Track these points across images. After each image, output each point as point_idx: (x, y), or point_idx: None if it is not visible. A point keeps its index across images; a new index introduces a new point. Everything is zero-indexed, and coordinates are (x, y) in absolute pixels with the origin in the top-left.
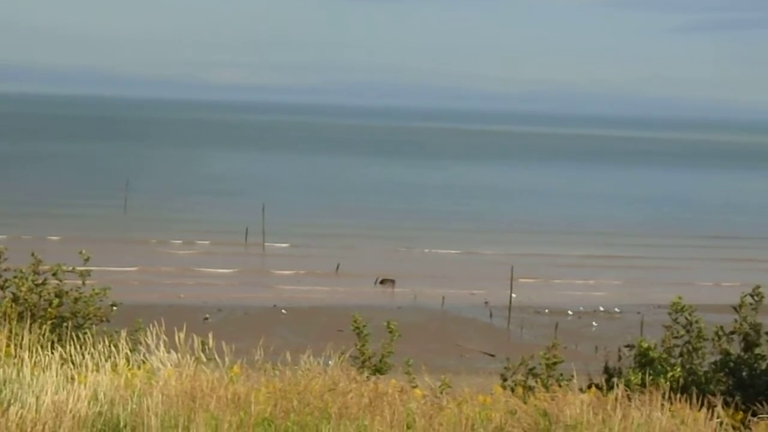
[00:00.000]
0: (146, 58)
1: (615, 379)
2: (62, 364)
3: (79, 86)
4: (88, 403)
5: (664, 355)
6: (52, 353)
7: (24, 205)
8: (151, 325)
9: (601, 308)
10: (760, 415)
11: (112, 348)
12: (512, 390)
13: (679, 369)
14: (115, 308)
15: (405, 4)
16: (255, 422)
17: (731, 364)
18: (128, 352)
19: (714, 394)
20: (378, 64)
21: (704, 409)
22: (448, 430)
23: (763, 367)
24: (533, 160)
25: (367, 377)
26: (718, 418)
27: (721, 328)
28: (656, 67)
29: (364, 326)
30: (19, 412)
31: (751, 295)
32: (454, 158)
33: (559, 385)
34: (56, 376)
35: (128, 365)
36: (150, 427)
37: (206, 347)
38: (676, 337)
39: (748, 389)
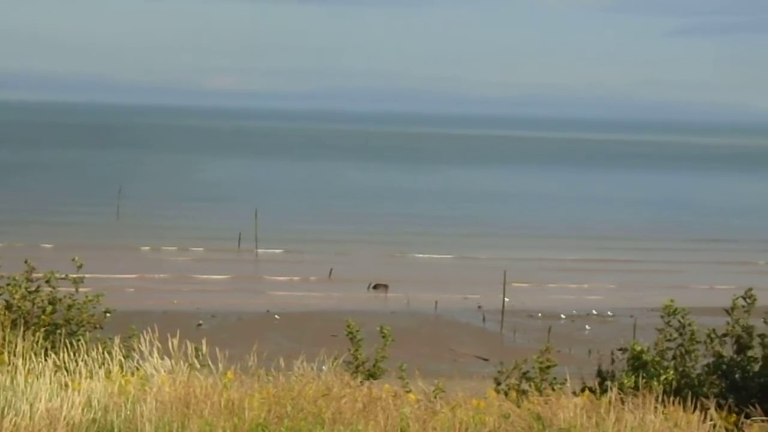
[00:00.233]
0: (142, 64)
1: (608, 383)
2: (56, 371)
3: (75, 93)
4: (82, 410)
5: (657, 358)
6: (46, 360)
7: (17, 212)
8: (144, 332)
9: (594, 312)
10: (753, 418)
11: (106, 355)
12: (506, 394)
13: (672, 372)
14: (108, 315)
15: (401, 8)
16: (249, 428)
17: (724, 367)
18: (122, 358)
19: (707, 397)
20: (374, 69)
21: (697, 412)
22: None
23: (756, 369)
24: (529, 164)
25: (361, 382)
26: (711, 420)
27: (714, 330)
28: (654, 70)
29: (357, 331)
30: (13, 420)
31: (744, 298)
32: (448, 163)
33: (553, 389)
34: (50, 383)
35: (122, 372)
36: None
37: (200, 353)
38: (669, 340)
39: (740, 391)
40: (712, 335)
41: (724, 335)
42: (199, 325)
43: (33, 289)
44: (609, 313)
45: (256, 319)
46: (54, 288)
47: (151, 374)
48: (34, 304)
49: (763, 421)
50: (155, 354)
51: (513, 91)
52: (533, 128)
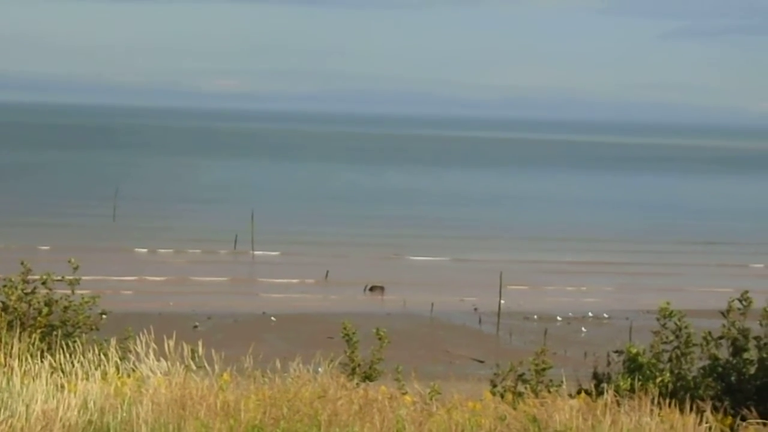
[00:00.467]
0: (140, 66)
1: (604, 385)
2: (52, 373)
3: (73, 95)
4: (78, 411)
5: (653, 361)
6: (42, 362)
7: (14, 214)
8: (140, 334)
9: (590, 314)
10: (749, 420)
11: (102, 356)
12: (502, 396)
13: (668, 374)
14: (104, 317)
15: (400, 11)
16: (245, 430)
17: (720, 369)
18: (118, 360)
19: (703, 399)
20: (371, 72)
21: (693, 414)
22: None
23: (752, 371)
24: (523, 167)
25: (357, 384)
26: (707, 422)
27: (710, 333)
28: (648, 73)
29: (353, 333)
30: (9, 421)
31: (739, 300)
32: (444, 165)
33: (549, 391)
34: (46, 385)
35: (118, 373)
36: None
37: (196, 355)
38: (665, 343)
39: (736, 394)
40: (708, 338)
41: (720, 338)
42: (195, 326)
43: (29, 290)
44: (605, 315)
45: (252, 321)
46: (50, 290)
47: (147, 376)
48: (30, 305)
49: (758, 423)
50: (151, 356)
51: (508, 94)
52: (528, 131)
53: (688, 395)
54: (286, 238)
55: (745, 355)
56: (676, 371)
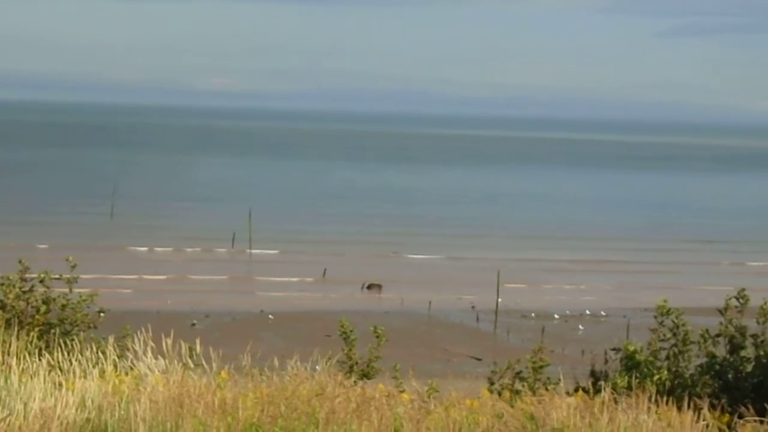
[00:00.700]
0: (137, 64)
1: (602, 383)
2: (50, 371)
3: (69, 93)
4: (76, 409)
5: (651, 358)
6: (40, 360)
7: (11, 212)
8: (138, 332)
9: (588, 312)
10: (746, 418)
11: (100, 354)
12: (499, 394)
13: (665, 372)
14: (102, 315)
15: (398, 8)
16: (242, 428)
17: (717, 367)
18: (116, 358)
19: (700, 397)
20: (369, 70)
21: (690, 412)
22: None
23: (749, 369)
24: (522, 165)
25: (355, 382)
26: (704, 420)
27: (707, 331)
28: (647, 71)
29: (351, 331)
30: (7, 419)
31: (737, 298)
32: (442, 163)
33: (546, 389)
34: (44, 383)
35: (116, 371)
36: None
37: (194, 353)
38: (663, 340)
39: (734, 391)
40: (706, 335)
41: (718, 335)
42: (193, 324)
43: (27, 288)
44: (602, 313)
45: (249, 319)
46: (48, 288)
47: (145, 374)
48: (28, 303)
49: (755, 421)
50: (149, 354)
51: (507, 92)
52: (528, 129)
53: (686, 393)
54: (284, 237)
55: (743, 353)
56: (673, 369)
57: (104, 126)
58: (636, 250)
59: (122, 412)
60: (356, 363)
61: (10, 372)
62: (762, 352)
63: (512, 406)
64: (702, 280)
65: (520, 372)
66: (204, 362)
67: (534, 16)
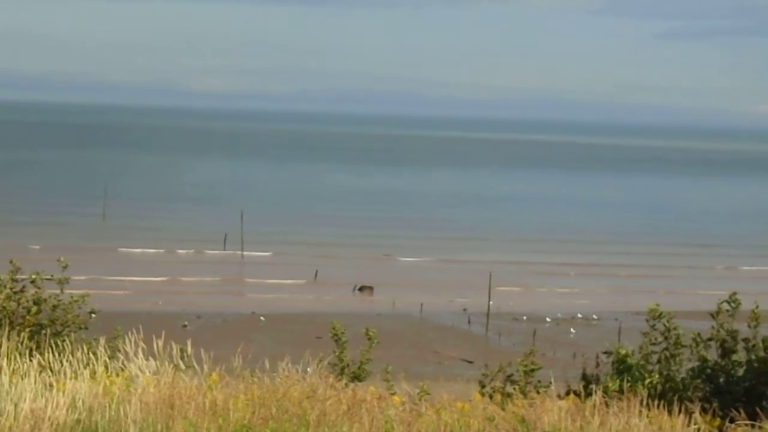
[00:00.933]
0: (130, 65)
1: (593, 386)
2: (41, 372)
3: (62, 93)
4: (67, 410)
5: (642, 362)
6: (31, 361)
7: (3, 213)
8: (129, 333)
9: (579, 315)
10: (737, 422)
11: (91, 355)
12: (490, 397)
13: (656, 376)
14: (93, 316)
15: (390, 10)
16: (233, 430)
17: (708, 371)
18: (107, 359)
19: (692, 401)
20: (358, 72)
21: (682, 416)
22: None
23: (740, 373)
24: (514, 168)
25: (346, 384)
26: (695, 424)
27: (699, 334)
28: (642, 73)
29: (342, 333)
30: None
31: (728, 302)
32: (435, 165)
33: (537, 392)
34: (35, 384)
35: (107, 373)
36: None
37: (185, 355)
38: (654, 344)
39: (725, 395)
40: (697, 339)
41: (709, 339)
42: (184, 326)
43: (18, 289)
44: (594, 316)
45: (241, 321)
46: (39, 288)
47: (136, 375)
48: (19, 304)
49: (746, 425)
50: (140, 355)
51: (499, 95)
52: (519, 131)
53: (677, 397)
54: (276, 239)
55: (734, 357)
56: (665, 373)
57: (98, 126)
58: (629, 253)
59: (113, 414)
60: (347, 365)
61: (0, 373)
62: (753, 356)
63: (503, 409)
64: (694, 284)
65: (512, 375)
66: (195, 364)
67: (526, 18)
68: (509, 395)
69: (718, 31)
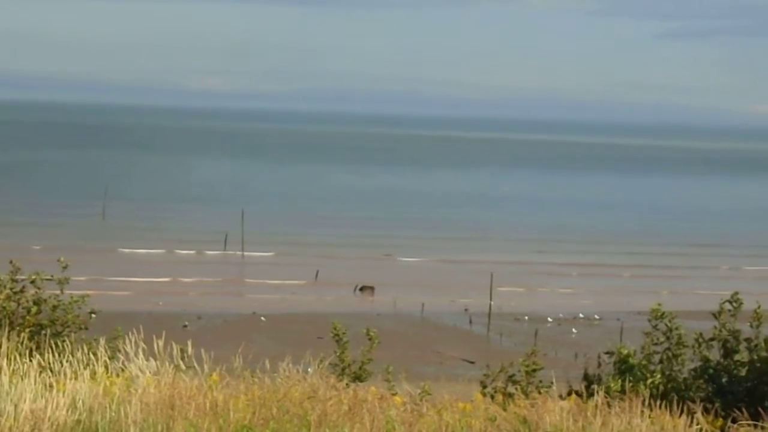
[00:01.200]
0: (127, 64)
1: (595, 386)
2: (41, 372)
3: (61, 93)
4: (67, 411)
5: (644, 362)
6: (31, 361)
7: (4, 213)
8: (129, 333)
9: (581, 315)
10: (740, 422)
11: (91, 356)
12: (492, 397)
13: (658, 376)
14: (93, 316)
15: (388, 10)
16: (234, 430)
17: (711, 371)
18: (107, 359)
19: (694, 401)
20: (359, 72)
21: (684, 416)
22: None
23: (743, 373)
24: (515, 167)
25: (347, 384)
26: (697, 424)
27: (701, 334)
28: (642, 73)
29: (343, 333)
30: None
31: (730, 302)
32: (433, 165)
33: (539, 392)
34: (35, 384)
35: (107, 373)
36: None
37: (185, 355)
38: (656, 344)
39: (727, 396)
40: (699, 339)
41: (711, 339)
42: (185, 326)
43: (18, 289)
44: (596, 316)
45: (241, 321)
46: (39, 289)
47: (136, 375)
48: (19, 304)
49: (749, 425)
50: (140, 355)
51: (499, 94)
52: (520, 131)
53: (679, 397)
54: (276, 239)
55: (736, 357)
56: (666, 373)
57: (98, 126)
58: (630, 253)
59: (113, 414)
60: (348, 365)
61: (0, 373)
62: (756, 356)
63: (505, 410)
64: (696, 284)
65: (513, 375)
66: (195, 364)
67: (525, 18)
68: (511, 395)
69: (717, 30)
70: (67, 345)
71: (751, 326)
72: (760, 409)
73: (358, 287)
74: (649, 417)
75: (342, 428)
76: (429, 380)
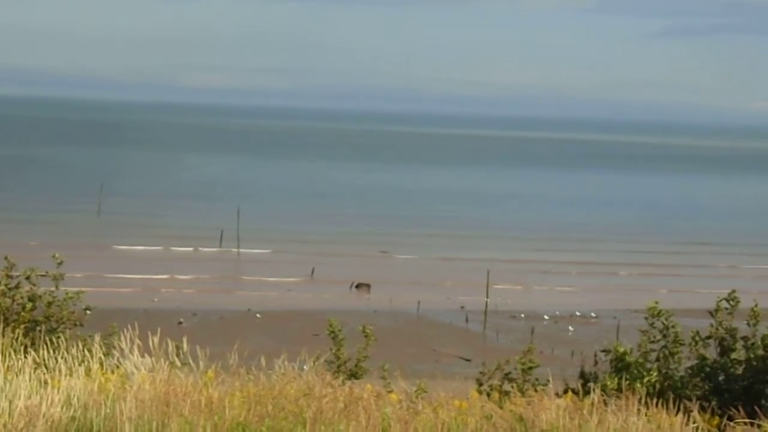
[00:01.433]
0: (122, 60)
1: (591, 384)
2: (35, 369)
3: (57, 89)
4: (62, 407)
5: (641, 360)
6: (25, 357)
7: (0, 210)
8: (125, 330)
9: (578, 313)
10: (736, 420)
11: (86, 352)
12: (488, 395)
13: (655, 374)
14: (88, 312)
15: (384, 7)
16: (229, 427)
17: (707, 369)
18: (102, 356)
19: (690, 399)
20: (356, 69)
21: (680, 414)
22: None
23: (739, 371)
24: (513, 165)
25: (343, 382)
26: (694, 422)
27: (698, 333)
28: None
29: (339, 331)
30: None
31: (727, 300)
32: (430, 163)
33: (535, 390)
34: (29, 381)
35: (102, 370)
36: None
37: (180, 352)
38: (653, 342)
39: (724, 394)
40: (696, 337)
41: (708, 337)
42: (180, 323)
43: (13, 285)
44: (592, 314)
45: (237, 318)
46: (34, 285)
47: (132, 372)
48: (13, 300)
49: (746, 423)
50: (135, 352)
51: (496, 92)
52: (517, 129)
53: (676, 395)
54: (272, 236)
55: (733, 355)
56: (663, 371)
57: (94, 122)
58: (626, 251)
59: (108, 411)
60: (344, 363)
61: None
62: (752, 355)
63: (501, 407)
64: (693, 282)
65: (510, 373)
66: (191, 361)
67: (521, 17)
68: (507, 393)
69: (714, 29)
70: (62, 341)
71: (748, 324)
72: (756, 407)
73: (355, 284)
74: (646, 415)
75: (338, 426)
76: (425, 378)
